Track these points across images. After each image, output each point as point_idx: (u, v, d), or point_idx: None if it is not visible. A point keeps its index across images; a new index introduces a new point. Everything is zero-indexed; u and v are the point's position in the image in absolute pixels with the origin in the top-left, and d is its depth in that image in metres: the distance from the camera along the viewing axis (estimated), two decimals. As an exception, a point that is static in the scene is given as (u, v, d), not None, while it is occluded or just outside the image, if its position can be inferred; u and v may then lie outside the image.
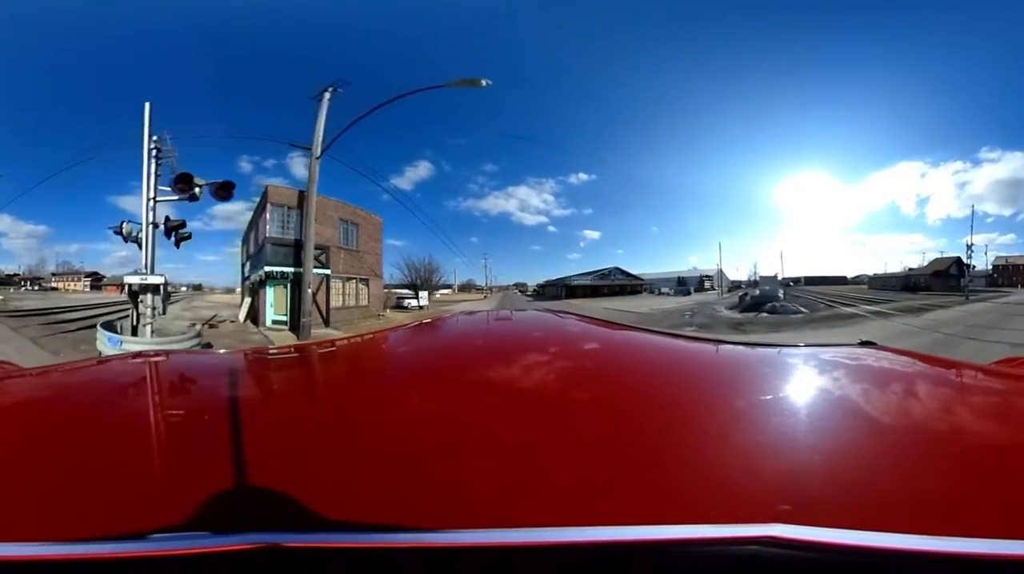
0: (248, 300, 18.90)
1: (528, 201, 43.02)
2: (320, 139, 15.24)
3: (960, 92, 37.46)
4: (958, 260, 41.49)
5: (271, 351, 2.80)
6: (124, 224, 11.36)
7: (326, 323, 16.84)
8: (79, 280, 51.56)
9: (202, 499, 0.66)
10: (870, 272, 48.99)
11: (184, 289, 56.90)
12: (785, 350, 1.76)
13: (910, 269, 44.89)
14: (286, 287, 16.56)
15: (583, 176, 42.18)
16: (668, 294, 41.48)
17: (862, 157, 45.46)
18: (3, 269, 41.80)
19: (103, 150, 23.64)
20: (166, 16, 30.00)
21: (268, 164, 42.93)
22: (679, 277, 43.81)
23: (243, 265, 22.51)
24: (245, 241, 22.98)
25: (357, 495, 0.71)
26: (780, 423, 0.96)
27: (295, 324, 15.66)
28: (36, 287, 46.22)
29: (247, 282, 19.48)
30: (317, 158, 14.79)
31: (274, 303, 16.93)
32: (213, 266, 57.64)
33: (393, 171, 40.58)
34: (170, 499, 0.68)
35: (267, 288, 16.90)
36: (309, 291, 14.05)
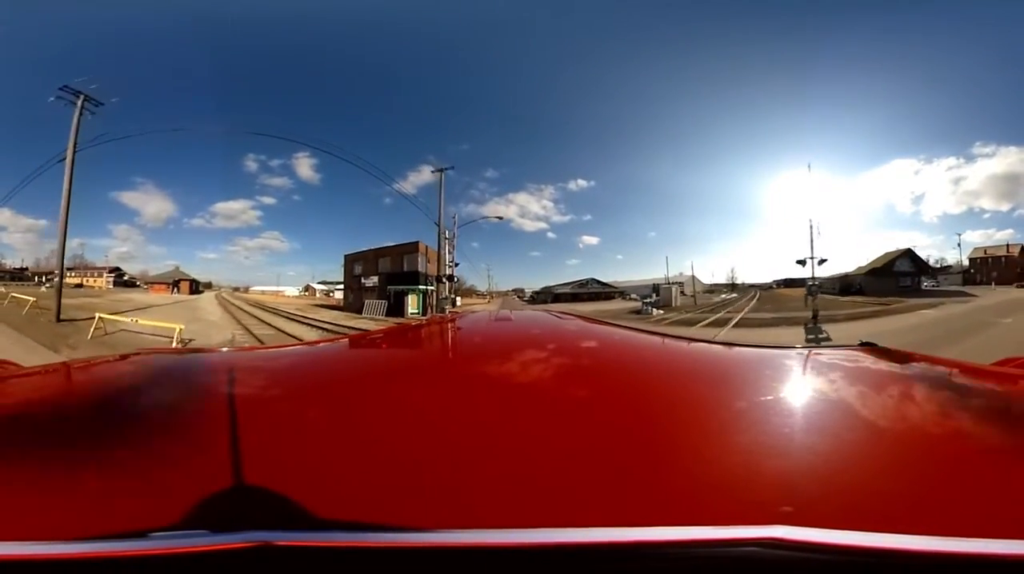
0: (384, 302, 32.33)
1: (528, 207, 46.85)
2: (442, 215, 27.26)
3: (951, 88, 37.91)
4: (909, 253, 38.05)
5: (271, 350, 2.87)
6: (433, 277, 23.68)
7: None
8: (100, 276, 49.88)
9: (199, 498, 0.69)
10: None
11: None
12: (786, 351, 1.80)
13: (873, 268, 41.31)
14: (419, 295, 31.75)
15: (582, 182, 44.91)
16: (635, 299, 46.94)
17: (857, 156, 46.30)
18: (9, 263, 43.03)
19: (98, 146, 23.84)
20: (170, 12, 32.64)
21: (273, 164, 46.27)
22: (654, 284, 49.77)
23: (356, 276, 36.56)
24: (351, 262, 37.69)
25: (353, 494, 0.73)
26: (780, 424, 0.98)
27: (424, 313, 30.13)
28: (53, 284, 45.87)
29: (386, 290, 33.57)
30: (447, 238, 26.86)
31: (411, 303, 31.86)
32: (213, 263, 58.81)
33: (397, 175, 44.65)
34: (167, 498, 0.70)
35: (409, 295, 31.87)
36: (445, 296, 27.76)
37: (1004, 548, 0.57)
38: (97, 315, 16.86)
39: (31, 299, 21.49)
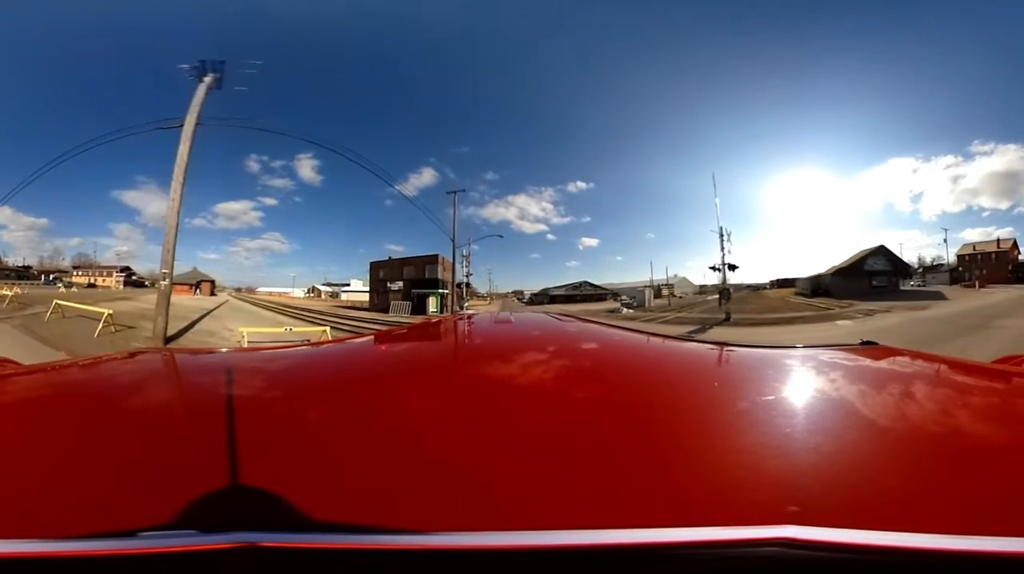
0: (409, 303, 38.01)
1: (527, 209, 47.33)
2: (456, 231, 33.00)
3: (949, 86, 39.03)
4: (882, 251, 36.27)
5: (270, 351, 2.83)
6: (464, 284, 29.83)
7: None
8: (110, 275, 49.84)
9: (190, 497, 0.69)
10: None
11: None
12: (788, 351, 1.80)
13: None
14: (438, 298, 37.72)
15: (581, 184, 46.62)
16: (624, 299, 50.18)
17: (854, 155, 48.47)
18: (10, 261, 43.41)
19: (100, 143, 24.47)
20: (174, 10, 33.31)
21: (276, 165, 47.27)
22: (645, 286, 51.23)
23: (382, 281, 42.10)
24: (377, 268, 43.43)
25: (346, 495, 0.73)
26: (784, 424, 0.98)
27: (441, 312, 36.30)
28: (68, 283, 45.42)
29: (411, 293, 39.74)
30: (463, 253, 33.59)
31: (431, 304, 37.89)
32: (213, 264, 58.89)
33: (399, 177, 46.07)
34: (160, 497, 0.71)
35: (430, 297, 37.82)
36: (454, 298, 34.54)
37: (1010, 546, 0.57)
38: (243, 331, 13.90)
39: (105, 311, 15.45)
